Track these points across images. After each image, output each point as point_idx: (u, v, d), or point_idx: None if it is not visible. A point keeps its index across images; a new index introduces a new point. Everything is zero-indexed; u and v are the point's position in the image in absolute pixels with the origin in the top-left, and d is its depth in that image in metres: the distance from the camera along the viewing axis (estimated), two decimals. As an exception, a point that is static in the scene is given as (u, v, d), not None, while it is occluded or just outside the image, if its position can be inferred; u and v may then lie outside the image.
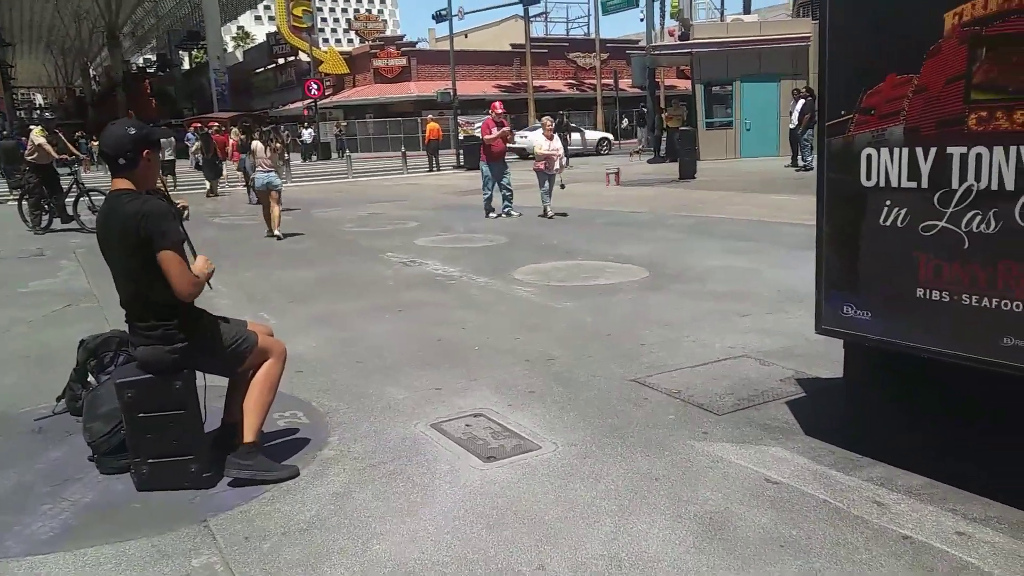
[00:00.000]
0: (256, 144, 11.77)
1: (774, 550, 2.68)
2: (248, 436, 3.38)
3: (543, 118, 13.41)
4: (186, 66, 70.23)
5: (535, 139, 12.83)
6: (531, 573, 2.60)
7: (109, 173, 3.27)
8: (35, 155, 12.86)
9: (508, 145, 13.44)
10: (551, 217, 12.24)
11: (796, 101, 19.21)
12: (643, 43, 32.67)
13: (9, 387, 4.87)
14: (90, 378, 4.13)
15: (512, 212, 12.94)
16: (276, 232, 11.35)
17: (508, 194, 12.98)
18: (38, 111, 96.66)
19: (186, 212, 3.71)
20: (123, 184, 3.20)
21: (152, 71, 75.06)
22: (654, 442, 3.63)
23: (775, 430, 3.70)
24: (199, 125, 26.31)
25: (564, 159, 13.06)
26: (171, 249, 3.10)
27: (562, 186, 12.93)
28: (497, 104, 13.25)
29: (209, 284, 3.42)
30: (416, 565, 2.68)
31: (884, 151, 3.13)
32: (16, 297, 7.72)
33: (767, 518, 2.90)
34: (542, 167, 12.37)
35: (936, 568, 2.53)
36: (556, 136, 12.80)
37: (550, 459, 3.48)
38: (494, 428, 3.86)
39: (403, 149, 29.15)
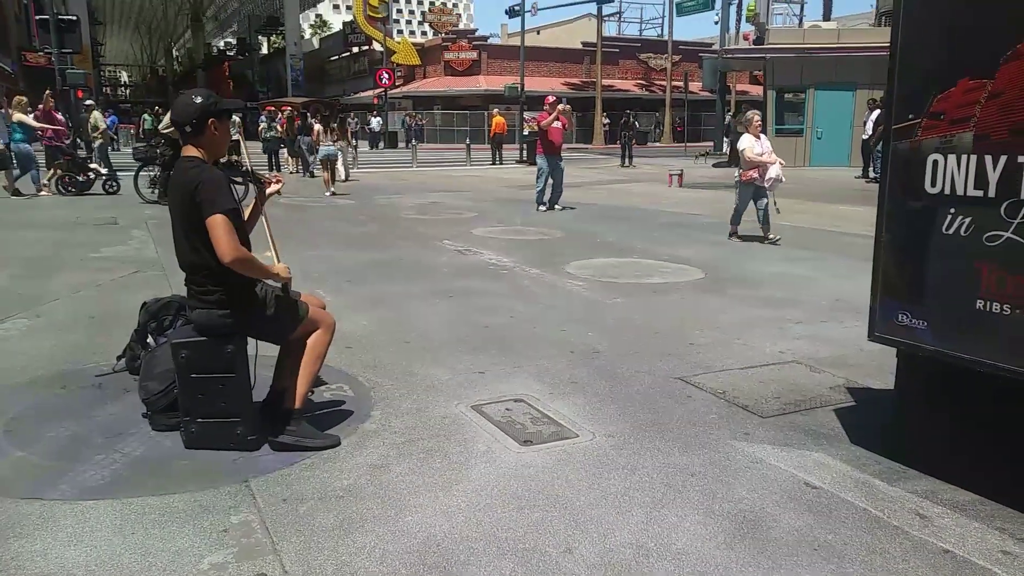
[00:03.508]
0: (318, 127, 16.70)
1: (807, 553, 2.63)
2: (293, 403, 3.47)
3: (749, 112, 9.67)
4: (264, 51, 71.99)
5: (744, 140, 9.19)
6: (558, 555, 2.61)
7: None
8: (171, 128, 13.34)
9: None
10: (776, 241, 9.33)
11: (871, 111, 18.69)
12: (716, 46, 32.19)
13: (74, 344, 5.09)
14: (150, 339, 4.29)
15: (557, 206, 13.03)
16: (331, 189, 15.56)
17: (559, 190, 13.08)
18: (123, 88, 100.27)
19: (274, 188, 3.71)
20: (191, 152, 3.31)
21: (231, 54, 77.17)
22: (693, 439, 3.59)
23: (820, 436, 3.63)
24: (272, 108, 26.97)
25: (781, 166, 9.28)
26: (218, 213, 3.12)
27: (776, 208, 9.42)
28: (549, 97, 13.23)
29: (286, 291, 3.48)
30: (445, 538, 2.72)
31: (951, 158, 3.03)
32: (88, 262, 8.05)
33: (803, 521, 2.85)
34: (754, 176, 9.14)
35: (976, 585, 2.46)
36: (764, 136, 9.42)
37: (586, 447, 3.49)
38: (533, 414, 3.88)
39: (468, 141, 29.34)
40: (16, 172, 14.05)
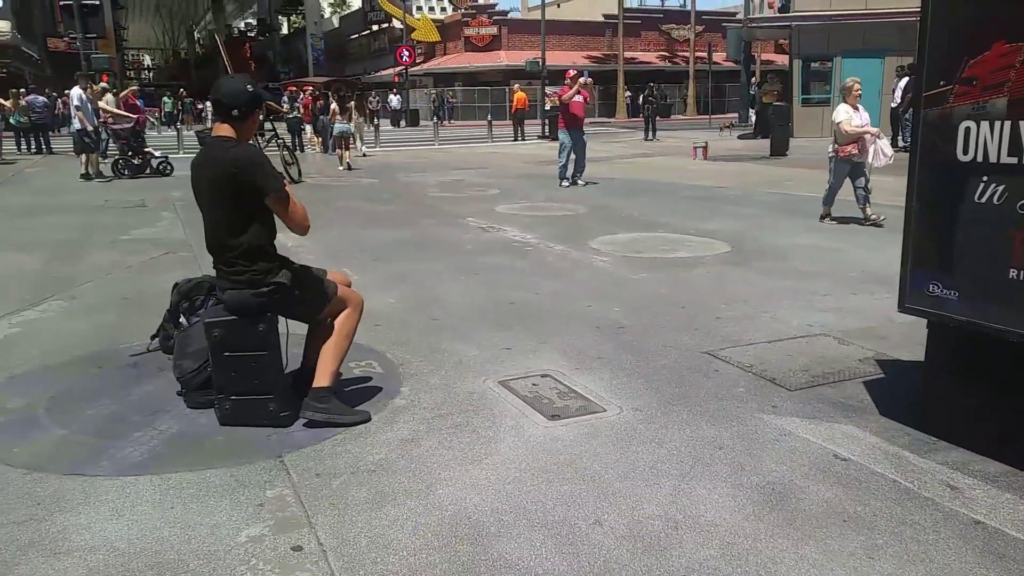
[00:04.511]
0: (333, 106, 17.64)
1: (836, 524, 2.64)
2: (324, 381, 3.52)
3: (849, 80, 8.56)
4: (284, 31, 71.99)
5: (841, 111, 8.28)
6: (587, 527, 2.65)
7: (213, 118, 3.46)
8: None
9: None
10: (879, 223, 8.39)
11: (900, 79, 18.30)
12: (740, 15, 31.62)
13: (109, 325, 5.20)
14: (182, 319, 4.36)
15: (580, 181, 12.95)
16: (343, 165, 16.51)
17: (582, 165, 13.01)
18: (146, 71, 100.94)
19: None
20: (226, 132, 3.37)
21: (252, 35, 77.26)
22: (721, 412, 3.60)
23: (849, 408, 3.62)
24: (293, 88, 27.06)
25: (884, 141, 8.30)
26: (279, 193, 3.29)
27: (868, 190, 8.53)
28: (571, 71, 13.10)
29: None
30: (476, 511, 2.76)
31: (984, 124, 2.98)
32: (119, 244, 8.19)
33: (832, 493, 2.85)
34: (853, 152, 8.26)
35: (1008, 555, 2.45)
36: (862, 108, 8.40)
37: (614, 421, 3.51)
38: (560, 389, 3.91)
39: (489, 118, 29.22)
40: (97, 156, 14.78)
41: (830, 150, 8.59)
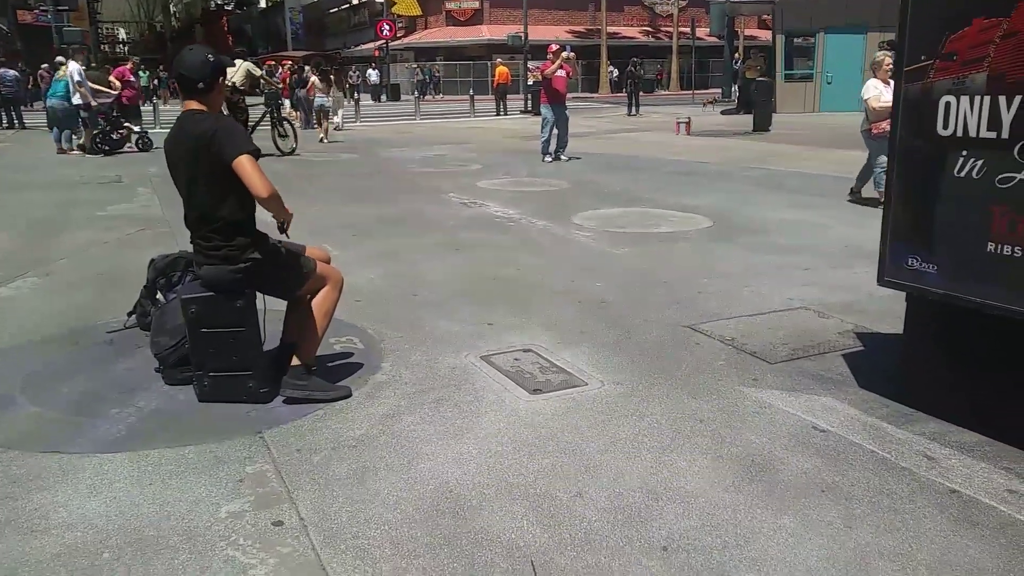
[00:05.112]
0: (313, 78, 17.63)
1: (815, 494, 2.67)
2: (303, 358, 3.50)
3: (880, 53, 8.06)
4: (263, 4, 70.76)
5: (870, 87, 7.79)
6: (569, 500, 2.66)
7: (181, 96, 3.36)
8: (244, 85, 13.72)
9: None
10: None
11: (882, 54, 18.32)
12: (724, -10, 31.46)
13: (85, 302, 5.13)
14: (159, 295, 4.31)
15: (563, 156, 12.88)
16: (322, 137, 16.69)
17: (565, 140, 12.92)
18: (121, 45, 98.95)
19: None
20: (196, 106, 3.30)
21: (230, 8, 75.88)
22: (702, 386, 3.62)
23: (828, 381, 3.65)
24: (272, 63, 26.68)
25: None
26: (246, 154, 3.16)
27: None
28: (553, 45, 12.98)
29: (286, 233, 3.54)
30: (458, 485, 2.76)
31: (964, 99, 2.98)
32: (95, 220, 8.06)
33: (811, 464, 2.88)
34: (887, 128, 7.44)
35: (981, 523, 2.49)
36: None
37: (595, 395, 3.51)
38: (542, 363, 3.91)
39: (471, 92, 28.97)
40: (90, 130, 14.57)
41: (862, 127, 8.12)
